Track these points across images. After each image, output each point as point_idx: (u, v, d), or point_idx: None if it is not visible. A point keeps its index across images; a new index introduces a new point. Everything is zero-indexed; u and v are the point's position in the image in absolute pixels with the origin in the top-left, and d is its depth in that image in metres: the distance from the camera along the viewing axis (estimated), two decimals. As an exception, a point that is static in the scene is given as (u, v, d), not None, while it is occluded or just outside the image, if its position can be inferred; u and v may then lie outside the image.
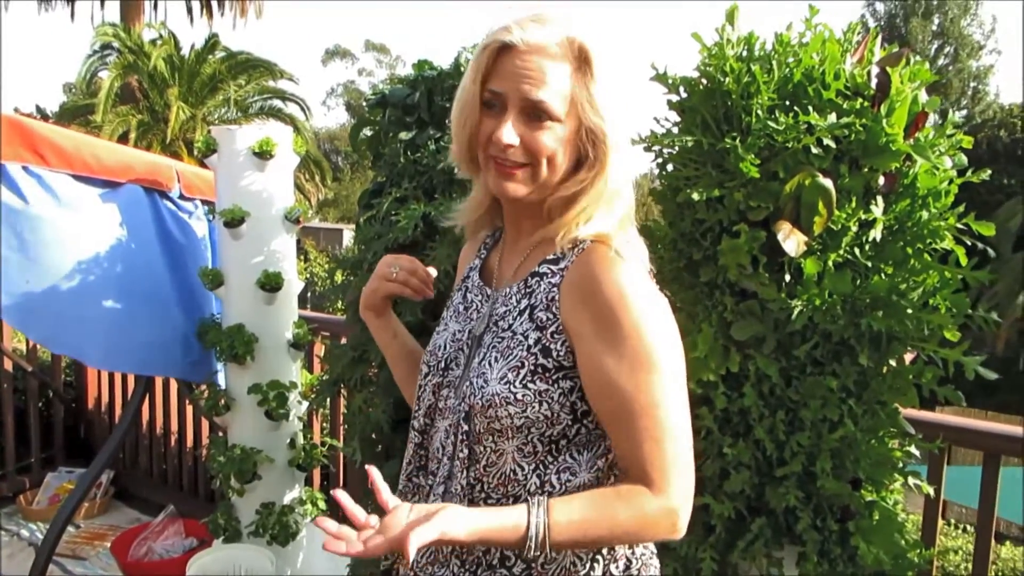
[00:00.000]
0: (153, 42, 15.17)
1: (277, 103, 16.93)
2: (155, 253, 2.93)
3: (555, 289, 1.17)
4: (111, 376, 4.35)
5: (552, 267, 1.19)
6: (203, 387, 3.12)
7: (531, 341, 1.16)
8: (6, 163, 2.57)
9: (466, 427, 1.19)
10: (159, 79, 14.91)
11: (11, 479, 4.08)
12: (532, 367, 1.14)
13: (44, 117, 17.29)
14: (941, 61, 27.40)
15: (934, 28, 27.92)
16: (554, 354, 1.14)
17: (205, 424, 3.92)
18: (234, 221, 2.66)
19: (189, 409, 3.96)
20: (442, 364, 1.28)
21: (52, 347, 3.26)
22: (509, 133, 1.13)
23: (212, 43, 15.34)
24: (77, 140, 2.83)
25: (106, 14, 17.59)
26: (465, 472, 1.20)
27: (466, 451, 1.20)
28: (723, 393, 1.67)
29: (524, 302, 1.20)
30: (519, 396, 1.14)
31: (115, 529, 3.67)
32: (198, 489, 4.00)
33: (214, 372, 3.07)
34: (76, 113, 15.61)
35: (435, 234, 2.11)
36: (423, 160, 2.15)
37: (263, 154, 2.68)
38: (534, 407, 1.14)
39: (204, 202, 3.16)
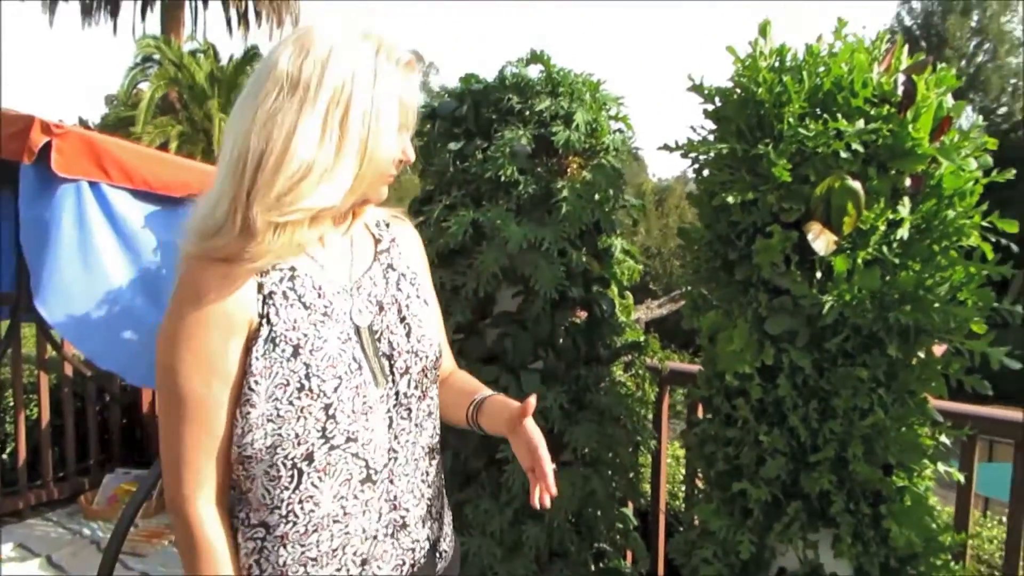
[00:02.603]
0: (193, 53, 15.47)
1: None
2: None
3: (401, 256, 1.35)
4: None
5: (385, 244, 1.35)
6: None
7: (424, 297, 1.35)
8: (73, 178, 2.67)
9: (416, 391, 1.28)
10: (199, 90, 15.20)
11: (72, 480, 4.23)
12: (435, 318, 1.39)
13: (87, 128, 17.58)
14: (980, 58, 26.94)
15: (973, 25, 27.46)
16: (431, 303, 1.38)
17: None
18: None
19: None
20: (354, 366, 1.20)
21: (100, 363, 3.32)
22: (412, 149, 1.26)
23: (251, 54, 15.60)
24: (139, 154, 2.92)
25: (147, 27, 17.97)
26: (433, 428, 1.35)
27: (427, 408, 1.32)
28: (758, 384, 1.76)
29: (392, 274, 1.32)
30: (441, 343, 1.37)
31: (172, 528, 3.78)
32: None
33: None
34: (118, 125, 15.90)
35: (483, 239, 2.23)
36: (471, 168, 2.26)
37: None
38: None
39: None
